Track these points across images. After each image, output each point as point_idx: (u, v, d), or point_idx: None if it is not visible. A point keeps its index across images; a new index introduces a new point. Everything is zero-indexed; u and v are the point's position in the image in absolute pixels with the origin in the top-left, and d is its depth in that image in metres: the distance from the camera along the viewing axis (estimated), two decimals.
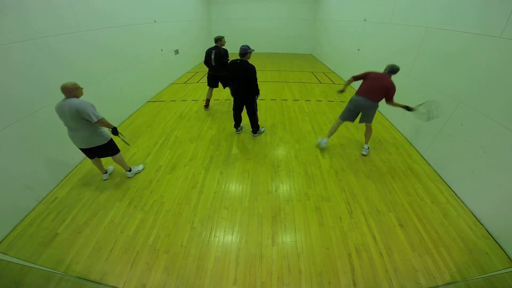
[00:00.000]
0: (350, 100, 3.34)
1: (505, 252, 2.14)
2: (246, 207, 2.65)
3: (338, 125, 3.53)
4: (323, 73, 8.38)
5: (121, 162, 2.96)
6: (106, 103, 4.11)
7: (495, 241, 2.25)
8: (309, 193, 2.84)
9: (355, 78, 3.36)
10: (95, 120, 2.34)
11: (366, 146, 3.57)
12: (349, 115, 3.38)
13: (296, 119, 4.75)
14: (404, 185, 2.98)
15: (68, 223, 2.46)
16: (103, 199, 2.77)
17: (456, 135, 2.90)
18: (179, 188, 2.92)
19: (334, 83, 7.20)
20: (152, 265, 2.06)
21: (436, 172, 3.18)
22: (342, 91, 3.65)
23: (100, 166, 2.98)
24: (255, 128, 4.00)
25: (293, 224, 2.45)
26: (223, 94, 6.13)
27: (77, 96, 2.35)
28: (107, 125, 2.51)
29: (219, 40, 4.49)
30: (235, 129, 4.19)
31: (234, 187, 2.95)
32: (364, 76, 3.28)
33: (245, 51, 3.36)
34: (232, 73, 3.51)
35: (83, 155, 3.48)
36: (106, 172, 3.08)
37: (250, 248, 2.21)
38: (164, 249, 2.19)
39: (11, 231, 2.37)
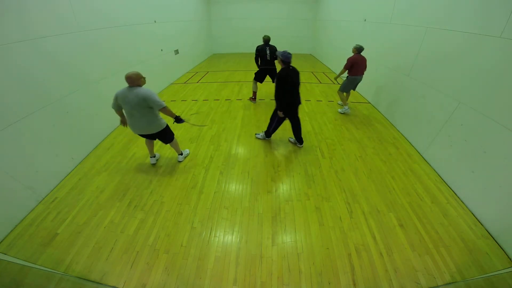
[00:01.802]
0: (354, 78, 4.57)
1: (505, 252, 2.14)
2: (246, 207, 2.65)
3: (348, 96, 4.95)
4: (323, 73, 8.37)
5: (176, 145, 3.22)
6: (106, 103, 4.11)
7: (495, 241, 2.25)
8: (309, 193, 2.84)
9: (347, 68, 4.46)
10: (161, 107, 2.51)
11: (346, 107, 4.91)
12: (352, 87, 4.79)
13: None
14: (404, 185, 2.98)
15: (68, 223, 2.46)
16: (103, 199, 2.77)
17: (456, 135, 2.90)
18: (179, 188, 2.92)
19: (334, 83, 7.19)
20: (152, 265, 2.06)
21: (436, 172, 3.18)
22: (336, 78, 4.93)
23: (151, 149, 3.20)
24: (301, 138, 3.72)
25: (293, 224, 2.45)
26: (223, 94, 6.14)
27: (140, 85, 2.49)
28: (170, 113, 2.67)
29: (269, 39, 5.06)
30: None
31: (234, 187, 2.95)
32: (353, 63, 4.39)
33: (291, 58, 3.07)
34: (293, 81, 3.11)
35: (83, 155, 3.50)
36: (154, 156, 3.29)
37: (250, 248, 2.21)
38: (164, 249, 2.19)
39: (11, 231, 2.37)
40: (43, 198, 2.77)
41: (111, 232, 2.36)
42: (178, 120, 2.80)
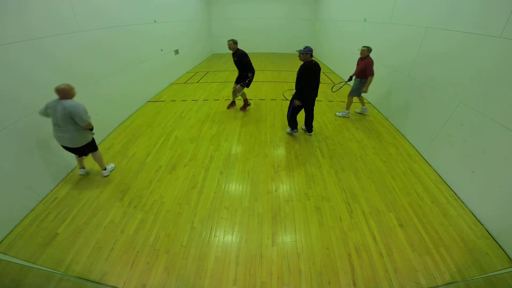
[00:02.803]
0: (366, 80, 4.35)
1: (505, 252, 2.14)
2: (246, 207, 2.65)
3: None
4: (323, 73, 8.37)
5: (99, 160, 3.04)
6: (106, 103, 4.12)
7: (495, 241, 2.25)
8: (309, 193, 2.84)
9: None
10: (85, 124, 2.50)
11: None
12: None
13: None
14: (404, 185, 2.98)
15: (68, 223, 2.46)
16: (103, 199, 2.77)
17: (456, 135, 2.90)
18: (179, 188, 2.92)
19: (334, 83, 7.19)
20: (152, 265, 2.06)
21: (436, 172, 3.18)
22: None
23: (80, 162, 3.09)
24: (311, 127, 4.10)
25: (293, 224, 2.45)
26: (223, 94, 6.14)
27: (71, 98, 2.46)
28: (91, 127, 2.64)
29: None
30: (293, 131, 4.05)
31: (234, 187, 2.95)
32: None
33: (312, 51, 3.40)
34: (315, 74, 3.44)
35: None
36: (84, 168, 3.15)
37: (250, 248, 2.21)
38: (164, 249, 2.19)
39: (11, 231, 2.36)
40: (43, 198, 2.77)
41: (111, 232, 2.36)
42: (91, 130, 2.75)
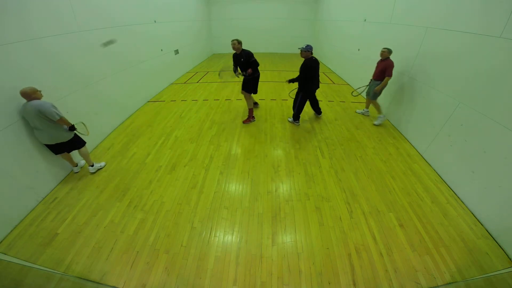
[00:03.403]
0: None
1: (505, 252, 2.14)
2: (246, 207, 2.65)
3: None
4: (323, 73, 8.37)
5: (86, 156, 3.08)
6: (106, 103, 4.12)
7: (495, 241, 2.25)
8: (309, 193, 2.84)
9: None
10: (57, 118, 2.52)
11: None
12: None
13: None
14: (404, 185, 2.98)
15: (68, 223, 2.46)
16: (103, 199, 2.77)
17: (456, 135, 2.90)
18: (179, 188, 2.92)
19: (334, 83, 7.20)
20: (152, 265, 2.06)
21: (436, 172, 3.18)
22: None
23: (70, 160, 3.09)
24: (319, 109, 4.73)
25: (293, 224, 2.45)
26: (223, 94, 6.14)
27: (38, 98, 2.50)
28: (67, 122, 2.68)
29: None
30: (295, 122, 4.48)
31: (234, 187, 2.95)
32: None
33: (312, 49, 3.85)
34: (316, 69, 3.92)
35: None
36: (77, 165, 3.20)
37: (250, 248, 2.21)
38: (164, 249, 2.19)
39: (11, 231, 2.37)
40: (43, 198, 2.77)
41: (111, 232, 2.36)
42: (72, 128, 2.77)
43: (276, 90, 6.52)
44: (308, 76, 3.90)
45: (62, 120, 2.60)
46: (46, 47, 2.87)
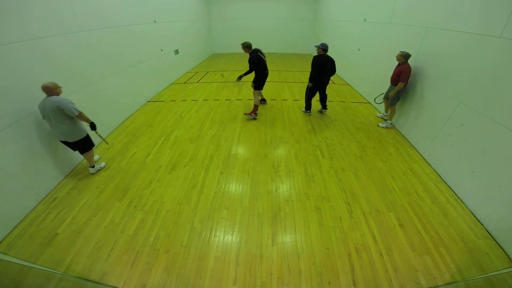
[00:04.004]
0: (405, 88, 3.94)
1: (505, 252, 2.14)
2: (246, 207, 2.65)
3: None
4: None
5: (89, 158, 3.09)
6: (106, 103, 4.12)
7: (495, 241, 2.25)
8: (309, 193, 2.84)
9: (406, 80, 3.75)
10: (76, 113, 2.58)
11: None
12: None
13: (296, 119, 4.75)
14: (404, 185, 2.98)
15: (68, 223, 2.46)
16: (103, 199, 2.77)
17: (456, 135, 2.90)
18: (179, 188, 2.92)
19: (334, 83, 7.20)
20: (152, 265, 2.06)
21: (436, 172, 3.18)
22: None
23: (89, 159, 3.11)
24: (326, 102, 5.01)
25: (293, 224, 2.45)
26: (223, 94, 6.14)
27: (57, 94, 2.56)
28: (86, 119, 2.74)
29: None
30: (307, 111, 4.97)
31: (234, 187, 2.95)
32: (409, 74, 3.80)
33: (327, 47, 4.27)
34: (325, 65, 4.28)
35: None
36: (93, 167, 3.18)
37: (250, 248, 2.21)
38: (164, 249, 2.19)
39: (11, 231, 2.37)
40: (43, 198, 2.77)
41: (111, 232, 2.36)
42: (93, 126, 2.89)
43: (276, 90, 6.53)
44: (315, 70, 4.31)
45: (81, 116, 2.65)
46: (46, 47, 2.87)
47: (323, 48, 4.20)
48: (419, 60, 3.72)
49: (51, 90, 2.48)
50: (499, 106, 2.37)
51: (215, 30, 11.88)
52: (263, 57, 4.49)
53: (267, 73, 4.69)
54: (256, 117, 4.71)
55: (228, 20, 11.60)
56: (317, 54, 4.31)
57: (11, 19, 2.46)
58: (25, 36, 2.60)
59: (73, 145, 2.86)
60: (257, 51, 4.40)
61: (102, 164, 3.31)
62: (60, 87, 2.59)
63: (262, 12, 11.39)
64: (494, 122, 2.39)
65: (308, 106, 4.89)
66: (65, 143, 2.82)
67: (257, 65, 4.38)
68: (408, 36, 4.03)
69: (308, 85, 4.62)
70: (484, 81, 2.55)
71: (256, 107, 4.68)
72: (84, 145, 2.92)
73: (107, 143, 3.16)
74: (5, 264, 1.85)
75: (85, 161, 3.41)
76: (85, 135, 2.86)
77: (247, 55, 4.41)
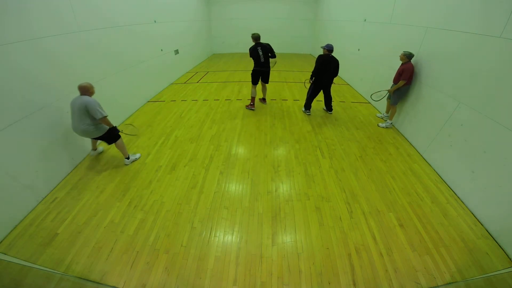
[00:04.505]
0: (408, 88, 3.97)
1: (505, 252, 2.14)
2: (246, 207, 2.65)
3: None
4: None
5: (121, 148, 3.26)
6: (106, 103, 4.09)
7: (495, 241, 2.25)
8: (309, 193, 2.84)
9: (406, 78, 3.77)
10: (100, 116, 2.73)
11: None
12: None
13: (296, 119, 4.75)
14: (404, 185, 2.98)
15: (68, 223, 2.46)
16: (103, 199, 2.77)
17: (456, 135, 2.90)
18: (179, 188, 2.92)
19: (334, 83, 7.15)
20: (152, 265, 2.06)
21: (436, 172, 3.18)
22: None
23: (93, 143, 3.39)
24: (331, 104, 5.00)
25: (293, 224, 2.45)
26: (223, 94, 6.14)
27: (91, 95, 2.79)
28: (108, 123, 2.91)
29: (259, 37, 4.66)
30: (306, 111, 4.98)
31: (234, 187, 2.95)
32: (411, 73, 3.79)
33: (332, 48, 4.34)
34: (329, 64, 4.35)
35: (83, 155, 3.50)
36: (96, 150, 3.46)
37: (250, 248, 2.21)
38: (164, 249, 2.19)
39: (11, 231, 2.36)
40: (43, 198, 2.77)
41: (111, 232, 2.36)
42: (113, 130, 3.04)
43: (276, 90, 6.53)
44: (318, 69, 4.37)
45: (104, 120, 2.81)
46: (46, 47, 2.86)
47: (328, 48, 4.30)
48: (419, 60, 3.72)
49: (86, 89, 2.71)
50: (499, 106, 2.37)
51: (215, 30, 11.88)
52: (260, 53, 4.61)
53: (261, 71, 4.84)
54: (253, 107, 5.14)
55: (228, 20, 11.60)
56: (323, 54, 4.39)
57: (11, 19, 2.45)
58: (25, 36, 2.59)
59: (100, 138, 3.04)
60: (258, 44, 4.60)
61: (138, 155, 3.47)
62: (94, 88, 2.80)
63: (262, 12, 11.39)
64: (494, 122, 2.39)
65: (308, 106, 4.89)
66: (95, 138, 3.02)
67: (253, 57, 4.66)
68: (408, 36, 4.03)
69: (306, 81, 4.83)
70: (484, 81, 2.55)
71: (252, 99, 5.10)
72: (109, 137, 3.07)
73: (137, 134, 3.51)
74: (5, 264, 1.85)
75: (85, 161, 3.42)
76: (105, 131, 2.98)
77: (248, 55, 4.48)
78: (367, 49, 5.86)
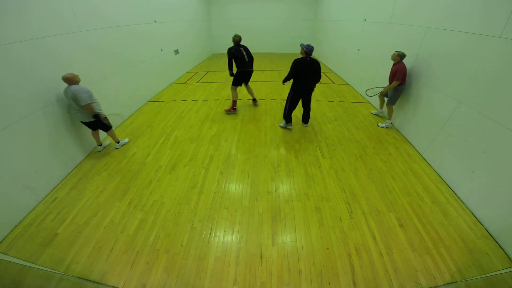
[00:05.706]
0: (403, 88, 3.95)
1: (505, 252, 2.14)
2: (246, 207, 2.65)
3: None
4: (323, 73, 8.36)
5: (112, 135, 3.61)
6: (106, 103, 4.10)
7: (495, 241, 2.25)
8: (309, 193, 2.84)
9: (400, 79, 3.78)
10: (83, 103, 2.91)
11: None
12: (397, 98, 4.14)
13: (296, 118, 4.74)
14: (404, 185, 2.98)
15: (68, 223, 2.46)
16: (103, 199, 2.77)
17: (456, 135, 2.90)
18: (179, 188, 2.92)
19: (334, 83, 7.20)
20: (152, 265, 2.06)
21: (436, 172, 3.18)
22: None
23: (97, 138, 3.58)
24: (308, 118, 4.39)
25: (293, 224, 2.45)
26: (223, 94, 6.14)
27: (77, 83, 2.95)
28: (91, 110, 3.02)
29: (240, 39, 4.58)
30: (287, 125, 4.32)
31: (234, 187, 2.95)
32: (404, 73, 3.80)
33: (312, 50, 3.61)
34: (305, 69, 3.67)
35: (82, 155, 3.50)
36: (101, 145, 3.66)
37: (250, 248, 2.21)
38: (164, 249, 2.19)
39: (11, 231, 2.37)
40: (43, 198, 2.77)
41: (111, 232, 2.36)
42: (96, 117, 3.11)
43: (276, 90, 6.53)
44: (294, 75, 3.71)
45: (88, 107, 2.96)
46: (46, 47, 2.87)
47: (306, 50, 3.55)
48: (419, 60, 3.72)
49: (70, 80, 2.87)
50: (499, 106, 2.37)
51: (215, 30, 11.88)
52: (244, 53, 4.51)
53: (248, 71, 4.72)
54: (235, 112, 4.96)
55: (228, 20, 11.59)
56: (302, 56, 3.65)
57: (11, 19, 2.45)
58: (25, 36, 2.59)
59: (93, 125, 3.26)
60: (240, 46, 4.53)
61: (126, 140, 3.85)
62: (77, 75, 2.95)
63: (262, 12, 11.39)
64: (494, 122, 2.39)
65: (288, 118, 4.18)
66: (85, 124, 3.22)
67: (236, 58, 4.51)
68: (408, 36, 4.03)
69: (289, 96, 3.98)
70: (484, 81, 2.55)
71: (233, 102, 4.92)
72: (102, 126, 3.34)
73: (119, 114, 3.72)
74: (5, 264, 1.85)
75: (85, 161, 3.43)
76: (95, 119, 3.14)
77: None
78: (367, 49, 5.86)
